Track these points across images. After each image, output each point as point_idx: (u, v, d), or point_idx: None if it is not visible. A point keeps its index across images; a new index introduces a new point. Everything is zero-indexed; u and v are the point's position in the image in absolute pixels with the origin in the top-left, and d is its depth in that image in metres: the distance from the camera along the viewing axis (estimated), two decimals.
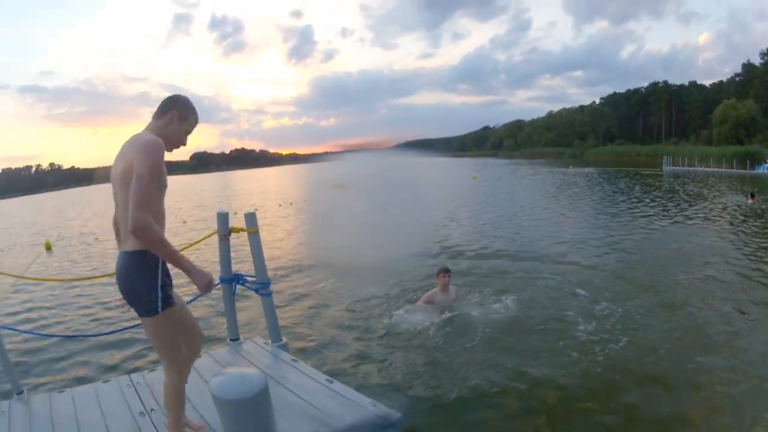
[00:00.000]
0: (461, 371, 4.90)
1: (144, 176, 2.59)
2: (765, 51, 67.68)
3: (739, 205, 16.76)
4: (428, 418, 4.06)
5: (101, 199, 52.74)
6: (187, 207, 31.45)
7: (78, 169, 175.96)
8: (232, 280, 4.71)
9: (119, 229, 2.81)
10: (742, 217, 14.19)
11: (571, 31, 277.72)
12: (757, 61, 68.87)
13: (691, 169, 43.80)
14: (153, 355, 5.97)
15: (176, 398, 3.01)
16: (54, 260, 14.59)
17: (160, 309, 2.75)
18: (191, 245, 6.20)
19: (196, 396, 3.66)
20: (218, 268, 4.64)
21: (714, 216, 14.79)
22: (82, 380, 5.21)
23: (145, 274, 2.74)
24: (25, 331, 6.61)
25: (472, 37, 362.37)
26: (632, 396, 4.33)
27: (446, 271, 7.24)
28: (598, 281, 7.97)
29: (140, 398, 3.77)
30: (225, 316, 4.98)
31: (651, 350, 5.15)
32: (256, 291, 4.66)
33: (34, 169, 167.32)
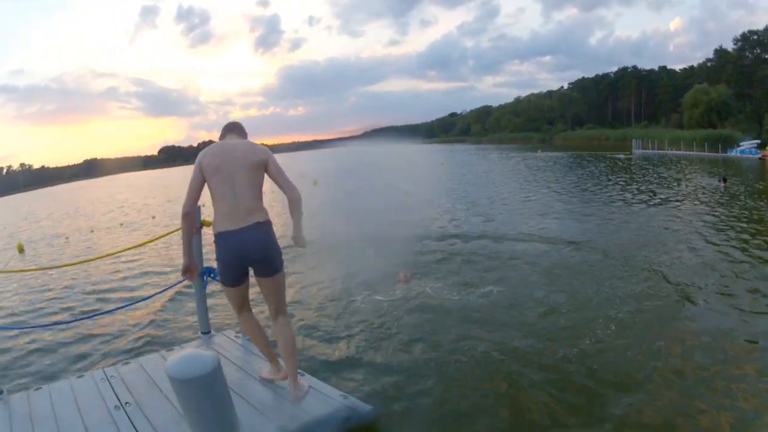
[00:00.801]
0: (431, 361, 4.97)
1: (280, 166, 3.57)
2: (738, 37, 68.56)
3: (710, 189, 17.09)
4: (399, 409, 4.09)
5: (70, 198, 52.06)
6: (156, 203, 31.28)
7: (48, 168, 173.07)
8: (203, 273, 4.78)
9: (238, 206, 3.43)
10: (715, 200, 14.51)
11: (540, 18, 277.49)
12: (730, 46, 69.76)
13: (661, 152, 44.43)
14: (125, 346, 6.04)
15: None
16: (27, 262, 14.46)
17: (283, 265, 3.64)
18: (162, 237, 6.27)
19: (169, 389, 3.74)
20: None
21: (687, 199, 15.11)
22: (58, 375, 5.24)
23: (275, 238, 3.60)
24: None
25: (440, 24, 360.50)
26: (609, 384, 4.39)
27: (406, 270, 7.58)
28: (570, 264, 8.19)
29: (115, 392, 3.85)
30: (196, 309, 5.06)
31: (630, 340, 5.22)
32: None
33: (5, 170, 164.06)
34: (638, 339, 5.14)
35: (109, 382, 4.02)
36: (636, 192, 17.45)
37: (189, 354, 2.70)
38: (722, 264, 7.75)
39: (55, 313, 7.95)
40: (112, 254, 10.13)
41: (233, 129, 3.79)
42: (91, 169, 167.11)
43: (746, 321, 5.47)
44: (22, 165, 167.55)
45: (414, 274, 7.81)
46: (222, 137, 3.73)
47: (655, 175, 23.87)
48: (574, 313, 5.95)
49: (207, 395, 2.67)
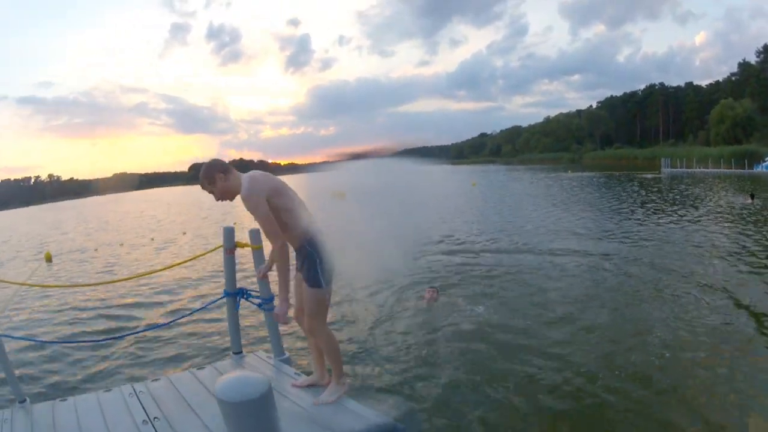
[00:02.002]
0: (463, 379, 4.91)
1: None
2: (761, 49, 67.82)
3: (736, 206, 16.76)
4: (432, 428, 4.05)
5: (99, 210, 52.80)
6: (187, 219, 31.47)
7: (77, 180, 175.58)
8: (236, 294, 4.73)
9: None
10: (742, 217, 14.18)
11: (567, 36, 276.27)
12: (753, 59, 68.99)
13: (690, 170, 43.86)
14: (155, 365, 6.00)
15: None
16: (54, 271, 14.60)
17: None
18: (196, 257, 6.24)
19: (199, 406, 3.69)
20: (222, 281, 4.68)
21: (714, 217, 14.79)
22: (83, 389, 5.21)
23: None
24: (26, 338, 6.60)
25: (470, 43, 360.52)
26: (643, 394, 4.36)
27: (433, 288, 7.51)
28: (605, 282, 8.11)
29: (143, 407, 3.77)
30: (228, 330, 5.00)
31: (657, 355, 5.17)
32: (260, 306, 4.66)
33: (33, 180, 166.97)
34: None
35: (138, 397, 3.95)
36: (665, 212, 17.12)
37: (240, 376, 2.66)
38: None
39: (82, 329, 7.95)
40: (145, 274, 10.17)
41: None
42: (120, 183, 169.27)
43: None
44: (50, 176, 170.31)
45: (440, 292, 7.73)
46: (231, 171, 3.66)
47: (684, 193, 23.49)
48: (623, 335, 5.83)
49: (258, 419, 2.62)
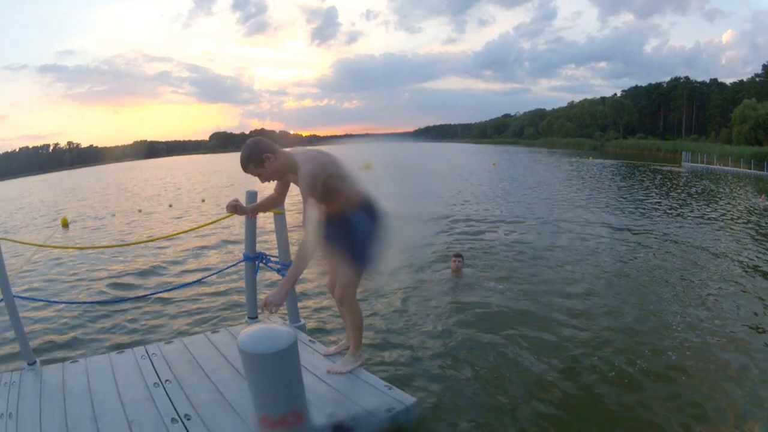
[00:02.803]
0: (476, 356, 4.85)
1: None
2: None
3: (755, 208, 16.43)
4: (443, 403, 4.01)
5: (118, 177, 53.10)
6: (207, 186, 31.53)
7: (96, 147, 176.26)
8: (255, 258, 4.70)
9: None
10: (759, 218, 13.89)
11: (596, 22, 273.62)
12: None
13: (710, 167, 43.26)
14: (169, 327, 6.00)
15: None
16: (71, 236, 14.68)
17: None
18: (216, 222, 6.19)
19: (211, 369, 3.65)
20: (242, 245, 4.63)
21: (734, 216, 14.50)
22: (96, 351, 5.18)
23: None
24: (39, 299, 6.61)
25: (498, 24, 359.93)
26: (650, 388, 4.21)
27: (458, 256, 7.36)
28: (621, 272, 7.82)
29: (155, 369, 3.73)
30: (245, 294, 4.96)
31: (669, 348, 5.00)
32: (278, 272, 4.64)
33: (51, 147, 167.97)
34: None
35: (150, 360, 3.91)
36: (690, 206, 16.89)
37: (265, 328, 2.55)
38: None
39: (97, 291, 7.95)
40: (161, 238, 10.17)
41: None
42: (141, 150, 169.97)
43: None
44: (69, 143, 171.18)
45: (465, 263, 7.71)
46: (279, 150, 3.41)
47: (705, 189, 23.15)
48: (640, 323, 5.66)
49: (282, 371, 2.51)
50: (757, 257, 8.72)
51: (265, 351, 2.43)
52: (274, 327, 2.57)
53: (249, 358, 2.48)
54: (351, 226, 3.50)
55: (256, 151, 3.31)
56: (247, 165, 3.32)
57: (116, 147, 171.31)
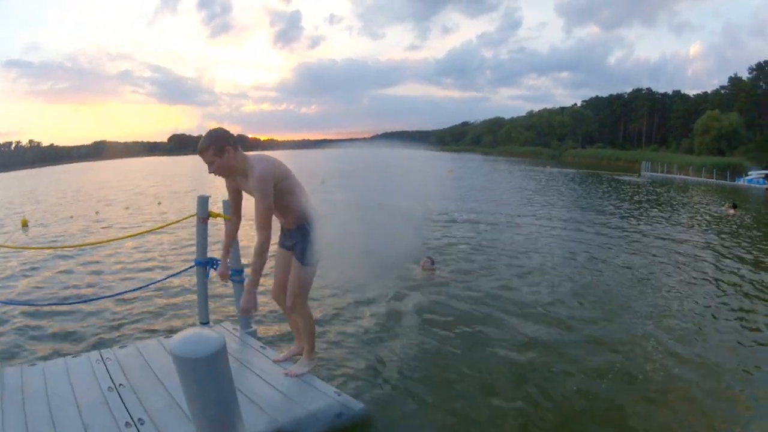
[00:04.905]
0: (429, 360, 4.98)
1: None
2: (754, 66, 68.82)
3: (720, 216, 16.96)
4: (392, 407, 4.08)
5: (78, 179, 52.13)
6: (164, 190, 31.22)
7: (57, 147, 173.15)
8: (206, 263, 4.79)
9: None
10: (724, 227, 14.37)
11: (561, 33, 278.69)
12: (745, 75, 69.92)
13: (670, 176, 44.36)
14: (123, 331, 6.03)
15: None
16: (30, 236, 14.47)
17: None
18: (169, 224, 6.26)
19: (164, 374, 3.76)
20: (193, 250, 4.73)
21: (696, 225, 14.93)
22: (50, 356, 5.21)
23: None
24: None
25: (461, 31, 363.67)
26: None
27: (431, 260, 7.58)
28: (573, 279, 8.15)
29: (109, 374, 3.84)
30: (197, 300, 5.05)
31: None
32: (229, 278, 4.71)
33: (13, 145, 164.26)
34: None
35: (105, 364, 4.01)
36: (644, 216, 17.34)
37: (194, 333, 2.61)
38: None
39: (53, 294, 7.90)
40: (116, 239, 10.12)
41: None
42: (99, 151, 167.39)
43: None
44: (30, 142, 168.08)
45: (437, 265, 8.05)
46: (239, 148, 3.50)
47: (665, 198, 23.76)
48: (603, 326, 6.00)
49: (211, 376, 2.59)
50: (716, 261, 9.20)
51: (195, 355, 2.50)
52: (204, 332, 2.65)
53: (179, 363, 2.57)
54: (302, 231, 3.69)
55: (222, 138, 3.41)
56: (207, 148, 3.39)
57: (76, 147, 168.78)
